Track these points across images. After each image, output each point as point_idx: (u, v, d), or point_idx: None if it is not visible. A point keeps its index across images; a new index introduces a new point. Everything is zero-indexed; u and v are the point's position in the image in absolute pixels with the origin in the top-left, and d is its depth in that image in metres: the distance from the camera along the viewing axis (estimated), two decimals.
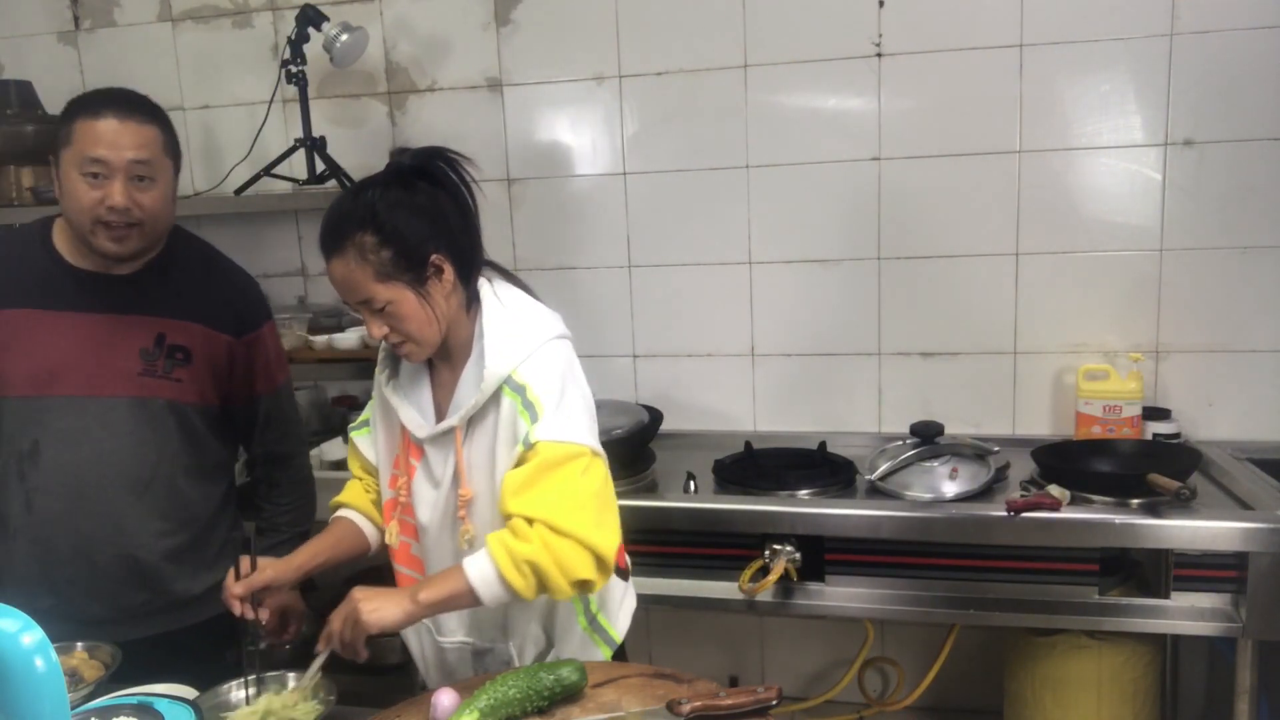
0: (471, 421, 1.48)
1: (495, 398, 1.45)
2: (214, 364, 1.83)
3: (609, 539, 1.40)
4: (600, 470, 1.45)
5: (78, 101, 1.70)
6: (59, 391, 1.71)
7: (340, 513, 1.68)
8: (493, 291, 1.52)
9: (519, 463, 1.41)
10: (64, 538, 1.73)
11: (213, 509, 1.90)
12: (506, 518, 1.39)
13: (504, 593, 1.36)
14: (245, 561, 1.52)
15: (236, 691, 1.48)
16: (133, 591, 1.78)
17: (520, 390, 1.43)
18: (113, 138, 1.64)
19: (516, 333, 1.47)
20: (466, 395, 1.48)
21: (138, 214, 1.67)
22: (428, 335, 1.47)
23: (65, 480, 1.71)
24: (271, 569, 1.52)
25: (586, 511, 1.38)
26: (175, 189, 1.75)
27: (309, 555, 1.58)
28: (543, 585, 1.37)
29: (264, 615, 1.52)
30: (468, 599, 1.38)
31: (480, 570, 1.36)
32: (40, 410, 1.71)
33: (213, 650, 1.73)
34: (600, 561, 1.38)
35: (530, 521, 1.36)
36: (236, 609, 1.50)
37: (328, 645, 1.42)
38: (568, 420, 1.42)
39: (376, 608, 1.36)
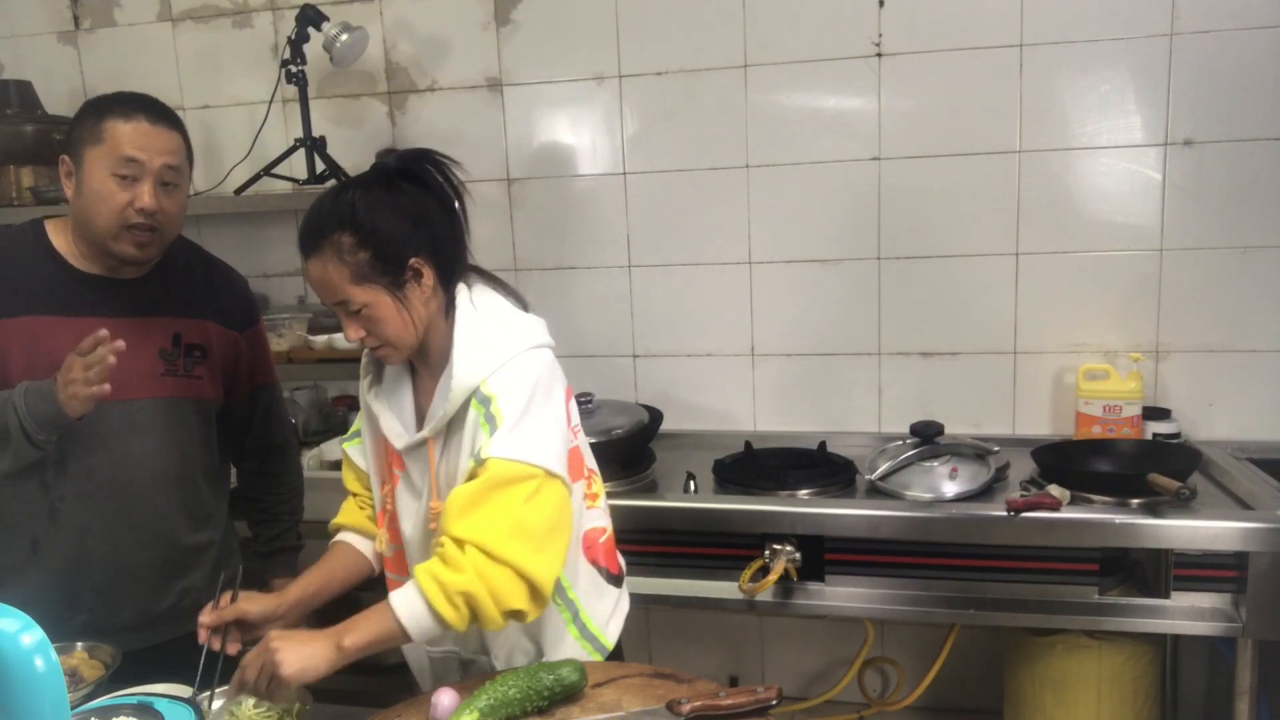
0: (447, 432, 1.45)
1: (464, 408, 1.42)
2: (225, 360, 1.86)
3: (548, 568, 1.34)
4: (553, 493, 1.38)
5: (103, 102, 1.69)
6: None
7: (338, 537, 1.66)
8: (469, 298, 1.48)
9: (469, 478, 1.37)
10: (94, 544, 1.72)
11: (225, 510, 1.93)
12: (439, 540, 1.35)
13: (435, 626, 1.32)
14: (226, 597, 1.51)
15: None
16: (161, 595, 1.79)
17: (486, 402, 1.39)
18: (147, 140, 1.65)
19: (487, 343, 1.43)
20: (439, 405, 1.45)
21: (161, 219, 1.68)
22: (404, 339, 1.44)
23: (96, 485, 1.71)
24: (252, 604, 1.50)
25: (527, 538, 1.32)
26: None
27: (302, 589, 1.56)
28: (475, 616, 1.32)
29: (232, 648, 1.48)
30: (399, 637, 1.33)
31: (409, 607, 1.31)
32: None
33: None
34: (535, 592, 1.33)
35: (462, 545, 1.31)
36: (202, 637, 1.47)
37: (239, 693, 1.35)
38: (525, 438, 1.36)
39: (296, 660, 1.28)
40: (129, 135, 1.64)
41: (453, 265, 1.48)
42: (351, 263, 1.39)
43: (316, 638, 1.32)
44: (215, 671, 1.46)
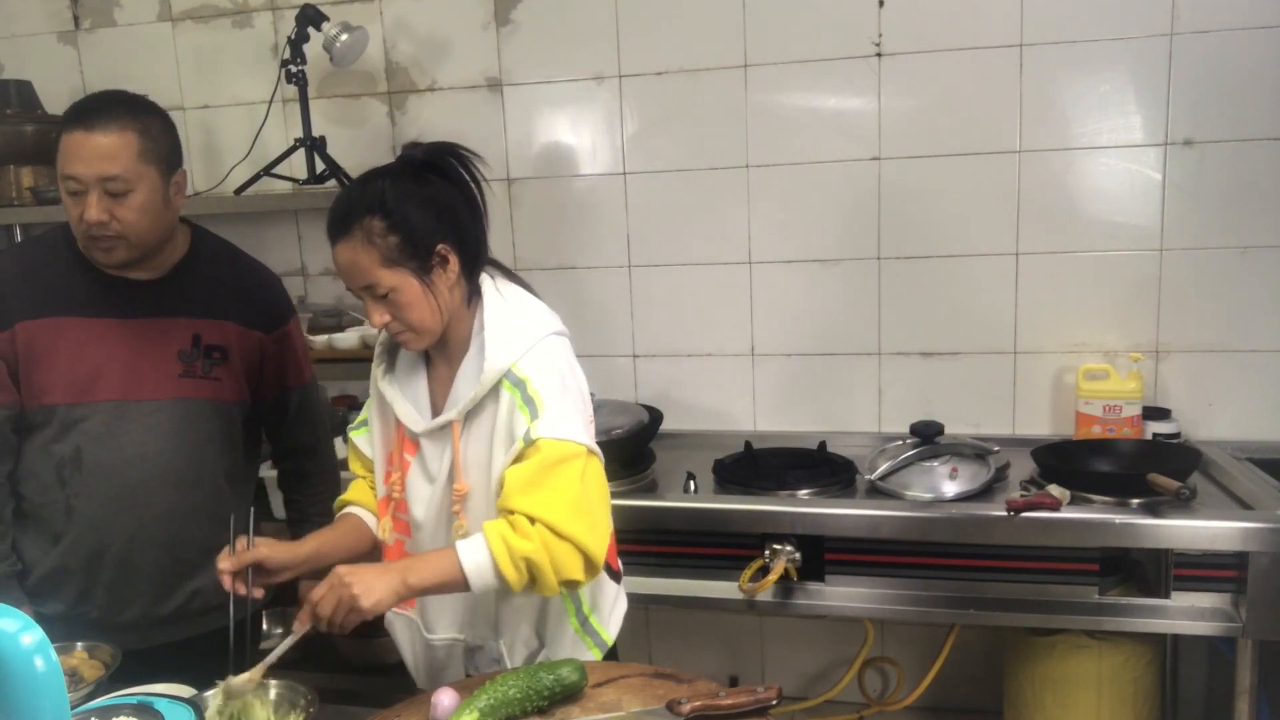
0: (469, 416, 1.48)
1: (494, 392, 1.46)
2: (248, 361, 1.85)
3: (601, 541, 1.43)
4: (597, 470, 1.47)
5: (66, 112, 1.69)
6: (99, 397, 1.72)
7: (347, 509, 1.68)
8: (494, 287, 1.53)
9: (518, 459, 1.42)
10: (107, 542, 1.75)
11: (247, 509, 1.91)
12: (507, 513, 1.40)
13: (495, 583, 1.38)
14: (242, 541, 1.52)
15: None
16: (171, 595, 1.80)
17: (520, 385, 1.44)
18: (81, 152, 1.62)
19: (518, 327, 1.48)
20: (465, 389, 1.49)
21: (116, 227, 1.66)
22: (429, 324, 1.47)
23: (110, 484, 1.73)
24: (270, 549, 1.52)
25: (585, 516, 1.40)
26: (165, 193, 1.71)
27: (317, 544, 1.58)
28: (534, 582, 1.38)
29: (257, 593, 1.51)
30: (458, 585, 1.38)
31: (475, 559, 1.37)
32: (81, 417, 1.72)
33: (222, 654, 1.74)
34: (590, 564, 1.40)
35: (532, 520, 1.37)
36: (227, 583, 1.49)
37: (307, 625, 1.38)
38: (567, 418, 1.43)
39: (369, 589, 1.33)
40: (68, 149, 1.63)
41: (476, 255, 1.52)
42: (381, 246, 1.42)
43: (385, 572, 1.37)
44: (245, 643, 1.48)
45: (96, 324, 1.73)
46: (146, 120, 1.68)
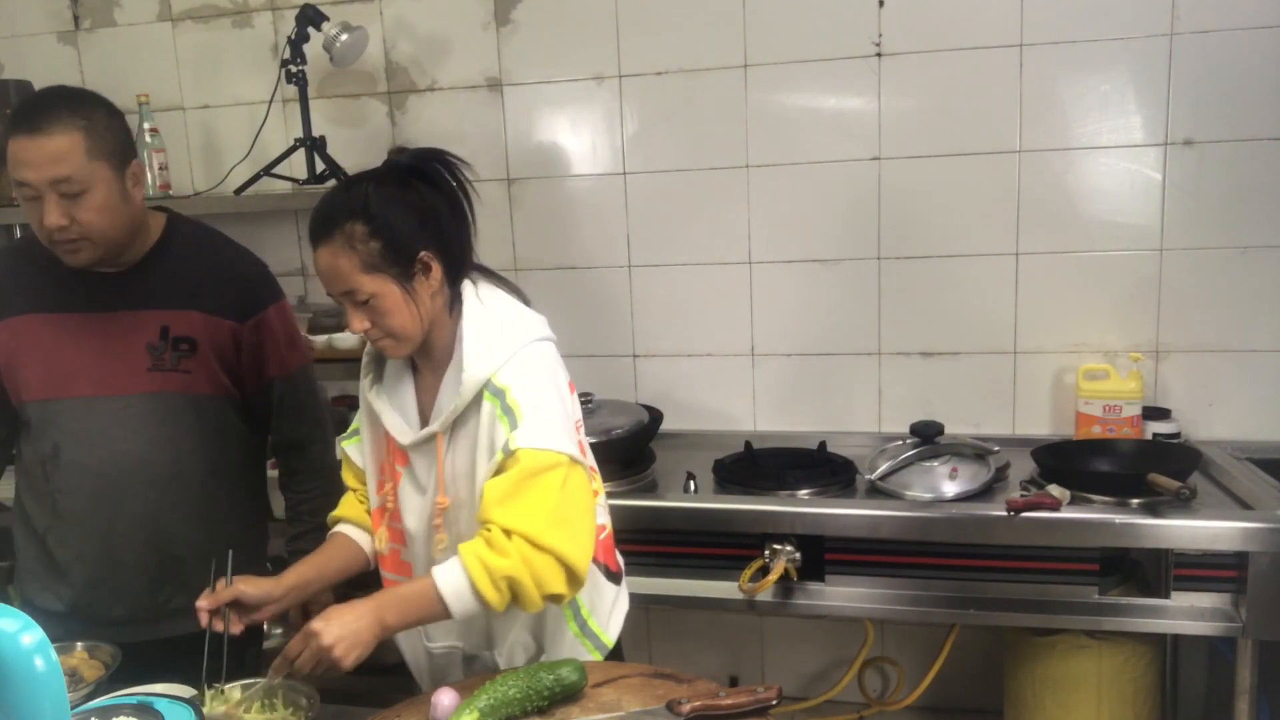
0: (454, 427, 1.47)
1: (475, 402, 1.44)
2: (220, 352, 1.79)
3: (582, 552, 1.40)
4: (579, 479, 1.43)
5: (11, 115, 1.65)
6: (72, 394, 1.73)
7: (336, 529, 1.67)
8: (474, 293, 1.50)
9: (498, 470, 1.40)
10: (89, 538, 1.75)
11: (243, 506, 1.90)
12: (484, 524, 1.38)
13: (476, 606, 1.36)
14: (222, 581, 1.52)
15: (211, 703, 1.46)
16: (157, 590, 1.79)
17: (500, 394, 1.42)
18: (29, 157, 1.58)
19: (496, 335, 1.46)
20: (447, 400, 1.47)
21: (77, 229, 1.63)
22: (410, 332, 1.46)
23: (87, 481, 1.73)
24: (249, 586, 1.51)
25: (565, 526, 1.37)
26: (122, 187, 1.67)
27: (298, 576, 1.57)
28: (516, 598, 1.37)
29: (235, 628, 1.50)
30: (439, 614, 1.37)
31: (453, 584, 1.35)
32: (56, 413, 1.73)
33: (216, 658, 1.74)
34: (573, 576, 1.38)
35: (509, 534, 1.35)
36: (204, 621, 1.48)
37: (280, 676, 1.39)
38: (548, 427, 1.40)
39: (348, 646, 1.31)
40: (16, 156, 1.59)
41: (460, 263, 1.50)
42: (362, 251, 1.41)
43: (359, 616, 1.34)
44: (222, 656, 1.47)
45: (67, 319, 1.73)
46: (91, 116, 1.63)
